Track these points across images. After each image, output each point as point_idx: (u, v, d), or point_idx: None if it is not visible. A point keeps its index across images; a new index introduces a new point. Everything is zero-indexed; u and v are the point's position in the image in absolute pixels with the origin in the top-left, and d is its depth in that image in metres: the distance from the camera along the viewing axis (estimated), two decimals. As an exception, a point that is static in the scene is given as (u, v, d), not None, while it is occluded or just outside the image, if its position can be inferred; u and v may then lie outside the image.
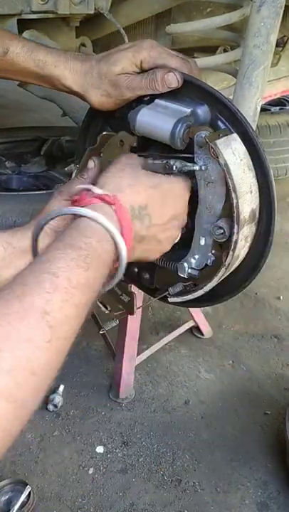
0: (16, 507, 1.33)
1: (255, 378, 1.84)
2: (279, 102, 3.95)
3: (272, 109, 3.82)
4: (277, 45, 2.68)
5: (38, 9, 1.64)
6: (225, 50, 2.23)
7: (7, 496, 1.36)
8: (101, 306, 1.18)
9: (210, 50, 2.34)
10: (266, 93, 2.97)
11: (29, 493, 1.35)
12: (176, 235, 0.88)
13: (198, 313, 1.99)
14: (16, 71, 1.00)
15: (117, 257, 0.69)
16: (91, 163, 0.96)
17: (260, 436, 1.59)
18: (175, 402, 1.71)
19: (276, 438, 1.54)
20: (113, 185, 0.76)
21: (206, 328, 2.04)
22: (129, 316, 1.64)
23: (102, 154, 1.02)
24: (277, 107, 3.86)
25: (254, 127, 1.45)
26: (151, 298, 1.21)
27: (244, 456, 1.52)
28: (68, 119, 2.49)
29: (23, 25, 1.72)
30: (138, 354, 1.76)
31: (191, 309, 1.95)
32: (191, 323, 1.99)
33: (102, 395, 1.72)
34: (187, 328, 1.98)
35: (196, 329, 2.04)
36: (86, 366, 1.84)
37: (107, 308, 1.19)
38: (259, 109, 1.36)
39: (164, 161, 0.94)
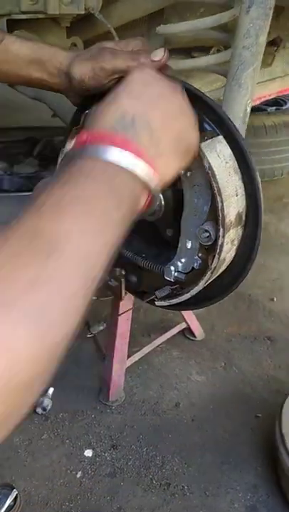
0: (2, 511, 1.32)
1: (248, 380, 1.83)
2: (275, 102, 3.94)
3: (269, 109, 3.81)
4: (272, 44, 2.68)
5: (28, 9, 1.63)
6: (219, 51, 2.22)
7: (-6, 500, 1.35)
8: None
9: (204, 50, 2.33)
10: (262, 94, 2.96)
11: (16, 496, 1.34)
12: (183, 166, 0.73)
13: (190, 315, 1.98)
14: (7, 60, 1.00)
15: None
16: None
17: (251, 439, 1.58)
18: (165, 405, 1.70)
19: (267, 441, 1.53)
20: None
21: (198, 330, 2.03)
22: (119, 318, 1.63)
23: None
24: (274, 107, 3.85)
25: (244, 129, 1.44)
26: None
27: (234, 459, 1.51)
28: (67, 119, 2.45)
29: (13, 25, 1.71)
30: (129, 356, 1.75)
31: (183, 311, 1.94)
32: (183, 325, 1.98)
33: (92, 398, 1.71)
34: (179, 330, 1.97)
35: (188, 331, 2.03)
36: (76, 369, 1.83)
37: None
38: (249, 110, 1.35)
39: None
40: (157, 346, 1.92)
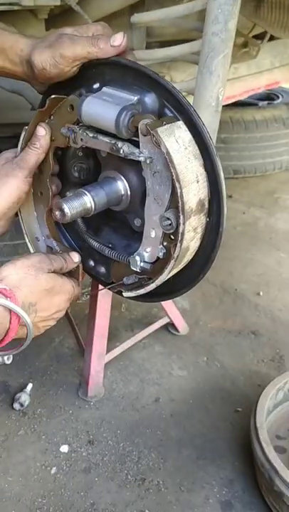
0: (-25, 508, 1.30)
1: (229, 375, 1.81)
2: (267, 97, 3.92)
3: (260, 103, 3.79)
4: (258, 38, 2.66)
5: (3, 1, 1.61)
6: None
7: None
8: None
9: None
10: (249, 87, 2.94)
11: (-11, 493, 1.33)
12: (52, 324, 1.01)
13: (173, 310, 1.96)
14: None
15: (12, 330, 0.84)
16: (42, 131, 0.98)
17: (230, 434, 1.56)
18: (145, 400, 1.68)
19: (245, 436, 1.51)
20: (15, 280, 0.86)
21: (181, 325, 2.01)
22: (98, 312, 1.62)
23: (52, 117, 1.00)
24: (265, 102, 3.82)
25: (218, 118, 1.42)
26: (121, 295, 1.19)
27: (211, 454, 1.49)
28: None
29: (-10, 18, 1.69)
30: (110, 351, 1.73)
31: (165, 306, 1.92)
32: (165, 320, 1.97)
33: (71, 394, 1.69)
34: (162, 324, 1.96)
35: (172, 326, 2.01)
36: (57, 364, 1.81)
37: None
38: (221, 98, 1.32)
39: (113, 141, 0.92)
40: (140, 341, 1.91)
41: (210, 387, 1.75)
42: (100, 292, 1.60)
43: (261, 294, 2.29)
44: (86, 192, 1.00)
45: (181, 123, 0.89)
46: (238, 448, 1.51)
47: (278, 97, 3.91)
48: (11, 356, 1.79)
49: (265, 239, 2.79)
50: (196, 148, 0.90)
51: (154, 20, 1.48)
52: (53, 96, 0.97)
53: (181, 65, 2.21)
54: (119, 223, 1.15)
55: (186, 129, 0.90)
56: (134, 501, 1.34)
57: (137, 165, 0.99)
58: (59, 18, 1.97)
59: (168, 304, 1.92)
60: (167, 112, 0.92)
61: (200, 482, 1.40)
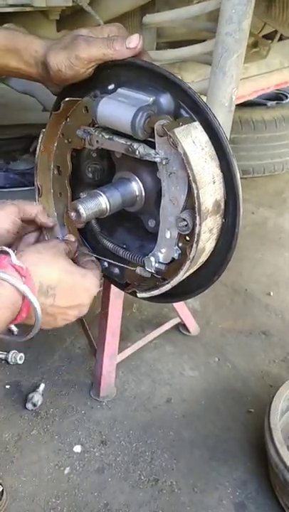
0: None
1: (240, 375, 1.81)
2: (276, 97, 3.90)
3: (269, 103, 3.77)
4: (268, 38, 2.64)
5: (15, 2, 1.62)
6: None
7: (-20, 497, 1.34)
8: None
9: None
10: (259, 86, 2.92)
11: (1, 492, 1.33)
12: (70, 321, 0.92)
13: (184, 311, 1.96)
14: None
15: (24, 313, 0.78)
16: (49, 221, 1.04)
17: (242, 435, 1.56)
18: (157, 401, 1.68)
19: (258, 436, 1.51)
20: (32, 257, 0.82)
21: (192, 326, 2.01)
22: (110, 312, 1.62)
23: (68, 119, 1.00)
24: (274, 102, 3.81)
25: (230, 118, 1.42)
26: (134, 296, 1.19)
27: (224, 455, 1.49)
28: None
29: (1, 18, 1.70)
30: (122, 352, 1.74)
31: (176, 306, 1.92)
32: (176, 321, 1.97)
33: (83, 394, 1.69)
34: (173, 325, 1.96)
35: (182, 326, 2.01)
36: (68, 364, 1.82)
37: None
38: (235, 98, 1.32)
39: (129, 143, 0.92)
40: (151, 342, 1.90)
41: (221, 387, 1.74)
42: (112, 293, 1.60)
43: (272, 294, 2.28)
44: (101, 193, 1.00)
45: (197, 124, 0.89)
46: (250, 449, 1.50)
47: (287, 97, 3.90)
48: (23, 356, 1.80)
49: (274, 239, 2.78)
50: (212, 149, 0.90)
51: (166, 21, 1.48)
52: (67, 99, 0.98)
53: (191, 65, 2.21)
54: (133, 224, 1.15)
55: (202, 129, 0.90)
56: (148, 502, 1.35)
57: (151, 166, 0.99)
58: (70, 19, 1.97)
59: (179, 305, 1.92)
60: (183, 112, 0.92)
61: (213, 483, 1.40)
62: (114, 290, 1.60)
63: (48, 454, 1.48)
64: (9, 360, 1.79)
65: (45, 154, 1.05)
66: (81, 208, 0.96)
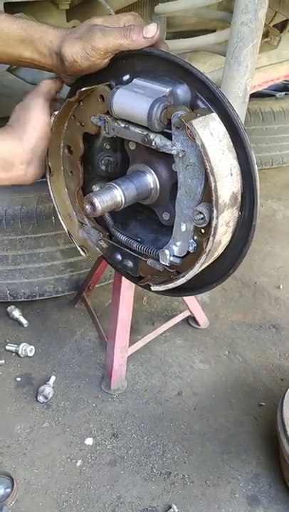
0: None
1: (251, 369, 1.80)
2: (284, 88, 3.86)
3: (278, 94, 3.73)
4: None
5: (27, -9, 1.59)
6: (223, 33, 2.16)
7: (-9, 488, 1.35)
8: (79, 248, 1.19)
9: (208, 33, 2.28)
10: (269, 77, 2.89)
11: (13, 484, 1.33)
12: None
13: (194, 303, 1.95)
14: None
15: None
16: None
17: (254, 428, 1.55)
18: (168, 394, 1.68)
19: (270, 430, 1.51)
20: None
21: (202, 319, 2.00)
22: (121, 305, 1.61)
23: (81, 103, 0.99)
24: (283, 93, 3.77)
25: (244, 109, 1.40)
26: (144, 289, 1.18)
27: (236, 448, 1.48)
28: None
29: (11, 8, 1.67)
30: (132, 345, 1.73)
31: (186, 299, 1.91)
32: (186, 314, 1.96)
33: (94, 387, 1.69)
34: (183, 318, 1.95)
35: (192, 319, 2.01)
36: (79, 357, 1.82)
37: (85, 252, 1.19)
38: (249, 89, 1.30)
39: (145, 133, 0.91)
40: (161, 335, 1.90)
41: (232, 381, 1.74)
42: (123, 285, 1.60)
43: (281, 287, 2.27)
44: (116, 186, 0.99)
45: (215, 115, 0.88)
46: (262, 442, 1.50)
47: (295, 88, 3.85)
48: (33, 348, 1.80)
49: (283, 231, 2.76)
50: (230, 140, 0.89)
51: (178, 10, 1.46)
52: (83, 89, 0.96)
53: (201, 55, 2.18)
54: (146, 217, 1.14)
55: (220, 121, 0.88)
56: (160, 495, 1.35)
57: (166, 158, 0.98)
58: (79, 8, 1.94)
59: (189, 298, 1.91)
60: (200, 103, 0.91)
61: (225, 476, 1.40)
62: (124, 283, 1.59)
63: (60, 446, 1.48)
64: (19, 352, 1.79)
65: (56, 135, 1.04)
66: (96, 201, 0.95)
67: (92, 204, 0.96)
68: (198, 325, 2.00)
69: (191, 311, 1.96)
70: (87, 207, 0.97)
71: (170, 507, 1.30)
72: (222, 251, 1.00)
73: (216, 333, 1.98)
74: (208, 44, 1.51)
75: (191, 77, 0.90)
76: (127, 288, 1.61)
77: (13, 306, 1.99)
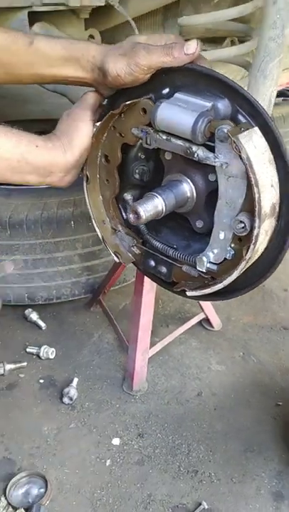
0: (34, 499, 1.34)
1: (266, 370, 1.85)
2: (281, 93, 3.94)
3: (276, 100, 3.80)
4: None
5: (49, 1, 1.64)
6: (232, 42, 2.22)
7: (24, 489, 1.38)
8: (113, 254, 1.23)
9: (214, 41, 2.33)
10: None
11: (46, 484, 1.37)
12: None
13: (208, 306, 2.00)
14: (40, 63, 1.01)
15: None
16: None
17: (273, 427, 1.60)
18: (188, 394, 1.73)
19: (289, 429, 1.56)
20: None
21: (216, 321, 2.05)
22: (142, 310, 1.65)
23: (122, 115, 1.03)
24: (281, 98, 3.84)
25: (268, 120, 1.45)
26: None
27: (258, 446, 1.54)
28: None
29: (34, 17, 1.71)
30: (152, 347, 1.77)
31: (201, 302, 1.96)
32: (201, 316, 2.00)
33: (116, 388, 1.73)
34: (198, 320, 1.99)
35: (206, 322, 2.05)
36: (98, 359, 1.85)
37: (119, 258, 1.22)
38: (273, 101, 1.35)
39: (187, 145, 0.95)
40: (176, 337, 1.94)
41: (249, 381, 1.79)
42: (144, 290, 1.63)
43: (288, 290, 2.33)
44: (157, 195, 1.03)
45: (257, 129, 0.93)
46: (283, 440, 1.55)
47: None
48: (54, 351, 1.83)
49: None
50: (270, 153, 0.93)
51: (204, 22, 1.50)
52: (128, 102, 1.00)
53: (215, 65, 2.24)
54: (177, 224, 1.18)
55: (261, 134, 0.93)
56: (189, 492, 1.39)
57: (203, 168, 1.02)
58: (96, 16, 1.98)
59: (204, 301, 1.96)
60: (240, 117, 0.95)
61: (250, 474, 1.45)
62: (146, 287, 1.63)
63: (88, 446, 1.52)
64: (41, 355, 1.82)
65: (95, 145, 1.08)
66: (141, 211, 0.99)
67: (137, 213, 1.00)
68: (212, 327, 2.05)
69: (205, 314, 2.00)
70: (131, 216, 1.01)
71: (200, 504, 1.35)
72: (256, 258, 1.05)
73: (230, 335, 2.03)
74: (229, 56, 1.56)
75: (232, 92, 0.94)
76: (148, 292, 1.65)
77: (30, 309, 2.02)
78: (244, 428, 1.60)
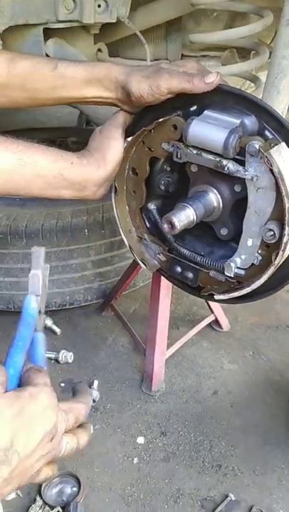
0: (68, 497, 1.40)
1: (276, 368, 1.94)
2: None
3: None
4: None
5: (64, 18, 1.70)
6: (230, 52, 2.31)
7: (58, 489, 1.44)
8: (140, 262, 1.29)
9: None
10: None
11: (79, 484, 1.43)
12: (55, 449, 0.69)
13: (217, 308, 2.08)
14: (65, 85, 1.07)
15: None
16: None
17: (287, 422, 1.69)
18: (204, 393, 1.80)
19: (303, 422, 1.64)
20: None
21: (224, 322, 2.13)
22: (159, 314, 1.72)
23: (152, 131, 1.09)
24: None
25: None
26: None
27: (276, 440, 1.62)
28: (61, 119, 2.49)
29: (48, 33, 1.77)
30: (168, 349, 1.84)
31: (211, 304, 2.03)
32: (211, 317, 2.08)
33: (135, 389, 1.80)
34: (209, 321, 2.07)
35: (214, 323, 2.13)
36: (115, 361, 1.91)
37: (146, 265, 1.29)
38: (285, 114, 1.44)
39: (218, 159, 1.02)
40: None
41: (261, 379, 1.87)
42: (161, 295, 1.70)
43: (291, 290, 2.42)
44: (188, 206, 1.10)
45: (284, 144, 1.01)
46: (298, 434, 1.64)
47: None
48: (73, 355, 1.89)
49: None
50: (296, 166, 1.01)
51: (214, 41, 1.58)
52: (160, 119, 1.07)
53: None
54: (201, 231, 1.26)
55: (287, 148, 1.01)
56: (215, 485, 1.46)
57: (229, 179, 1.10)
58: (105, 30, 2.05)
59: (213, 303, 2.04)
60: (267, 133, 1.03)
61: (270, 466, 1.53)
62: (162, 292, 1.70)
63: (115, 446, 1.58)
64: (60, 359, 1.87)
65: (124, 159, 1.14)
66: (176, 221, 1.07)
67: (172, 223, 1.07)
68: (221, 328, 2.13)
69: (215, 315, 2.08)
70: (166, 226, 1.09)
71: (227, 496, 1.42)
72: (282, 262, 1.13)
73: (238, 335, 2.11)
74: (241, 71, 1.65)
75: (259, 109, 1.02)
76: (165, 295, 1.72)
77: (44, 315, 2.07)
78: (261, 423, 1.68)
